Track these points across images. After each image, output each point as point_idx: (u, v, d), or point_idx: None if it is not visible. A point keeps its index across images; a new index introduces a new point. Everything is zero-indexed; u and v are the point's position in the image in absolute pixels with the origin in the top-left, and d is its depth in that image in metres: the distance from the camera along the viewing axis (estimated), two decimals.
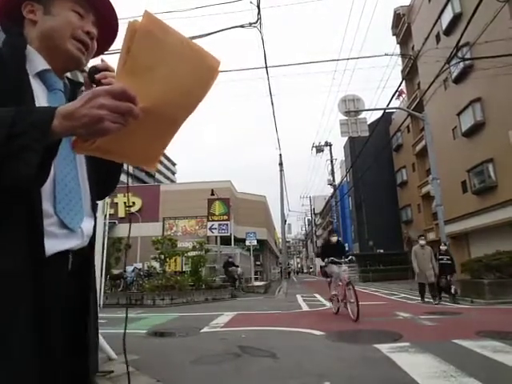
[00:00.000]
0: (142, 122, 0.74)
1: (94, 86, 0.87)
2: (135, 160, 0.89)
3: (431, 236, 25.59)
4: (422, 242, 10.25)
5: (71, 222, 0.88)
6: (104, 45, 1.08)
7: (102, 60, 0.94)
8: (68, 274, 0.92)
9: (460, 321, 6.81)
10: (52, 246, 0.84)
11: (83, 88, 1.01)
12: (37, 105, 0.85)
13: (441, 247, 10.77)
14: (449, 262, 10.33)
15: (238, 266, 17.03)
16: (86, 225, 0.94)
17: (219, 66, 0.79)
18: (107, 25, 1.04)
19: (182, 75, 0.76)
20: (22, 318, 0.77)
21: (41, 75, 0.92)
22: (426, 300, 10.07)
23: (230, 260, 17.05)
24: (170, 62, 0.75)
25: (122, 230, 25.69)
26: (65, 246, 0.88)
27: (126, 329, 1.18)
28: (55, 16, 0.95)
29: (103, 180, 1.04)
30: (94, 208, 1.01)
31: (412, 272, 17.43)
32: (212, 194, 20.63)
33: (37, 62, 0.92)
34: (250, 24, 9.22)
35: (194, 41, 0.79)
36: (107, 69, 0.89)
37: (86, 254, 0.97)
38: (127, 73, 0.73)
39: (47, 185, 0.84)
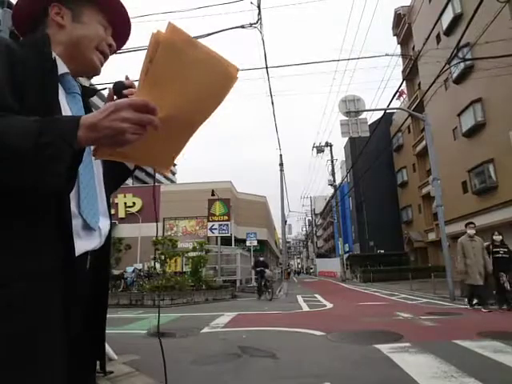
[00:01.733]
0: (161, 129, 0.76)
1: (117, 99, 0.92)
2: (151, 163, 0.93)
3: (431, 236, 25.60)
4: (471, 231, 8.25)
5: (91, 221, 0.91)
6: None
7: (127, 78, 0.98)
8: (87, 272, 0.94)
9: (460, 321, 6.80)
10: (79, 246, 0.86)
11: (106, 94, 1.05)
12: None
13: (494, 237, 8.46)
14: (506, 255, 8.07)
15: (267, 267, 14.44)
16: (103, 224, 0.96)
17: (237, 73, 0.81)
18: (121, 38, 1.10)
19: (201, 83, 0.78)
20: (54, 318, 0.79)
21: (60, 78, 0.94)
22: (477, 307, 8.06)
23: (261, 259, 15.08)
24: (190, 72, 0.77)
25: (122, 230, 25.73)
26: (88, 246, 0.91)
27: (159, 326, 1.25)
28: (85, 25, 0.98)
29: (112, 180, 1.07)
30: (109, 208, 1.03)
31: (412, 272, 17.45)
32: (212, 195, 20.63)
33: (58, 65, 0.94)
34: (251, 24, 9.22)
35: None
36: (131, 86, 0.93)
37: (102, 253, 0.98)
38: (149, 82, 0.75)
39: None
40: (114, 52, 1.08)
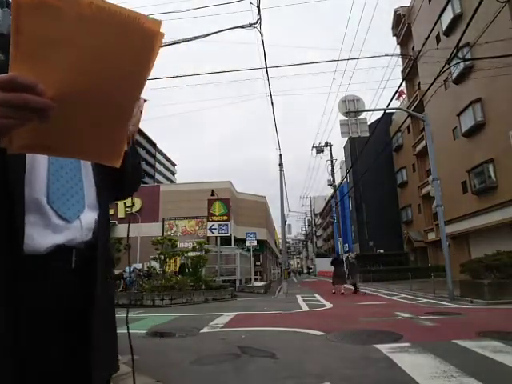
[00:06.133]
0: (72, 111, 0.64)
1: None
2: (91, 156, 0.77)
3: (431, 236, 25.61)
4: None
5: (66, 212, 0.87)
6: None
7: None
8: (72, 271, 0.89)
9: (460, 321, 6.80)
10: (44, 238, 0.83)
11: None
12: None
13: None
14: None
15: None
16: (87, 217, 0.92)
17: (159, 28, 0.64)
18: None
19: (105, 48, 0.63)
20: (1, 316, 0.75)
21: None
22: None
23: None
24: (82, 35, 0.61)
25: (121, 230, 25.72)
26: (60, 239, 0.86)
27: (128, 329, 1.17)
28: None
29: (118, 177, 1.00)
30: (102, 201, 0.98)
31: (412, 272, 17.41)
32: (212, 195, 20.64)
33: None
34: (250, 25, 9.22)
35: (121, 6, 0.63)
36: None
37: (92, 250, 0.92)
38: (24, 57, 0.60)
39: (42, 176, 0.85)
40: None
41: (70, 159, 0.91)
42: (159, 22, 0.64)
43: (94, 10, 0.61)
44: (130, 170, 1.02)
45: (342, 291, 14.37)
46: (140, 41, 0.64)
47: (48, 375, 0.85)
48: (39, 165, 0.87)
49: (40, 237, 0.83)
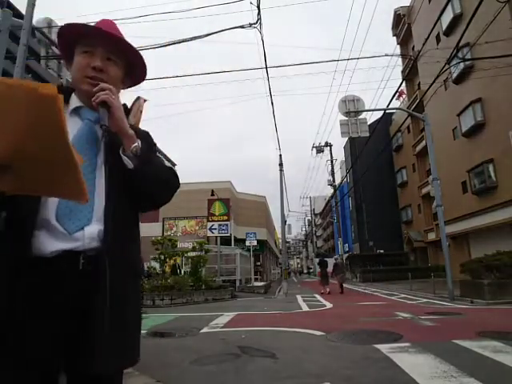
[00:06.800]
0: (22, 168, 0.78)
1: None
2: (56, 194, 0.92)
3: (431, 236, 25.60)
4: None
5: (71, 225, 1.00)
6: (135, 76, 1.30)
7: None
8: (79, 272, 0.99)
9: (460, 321, 6.80)
10: (51, 244, 0.97)
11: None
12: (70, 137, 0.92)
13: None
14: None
15: None
16: (92, 228, 1.03)
17: (55, 92, 0.72)
18: (130, 60, 1.22)
19: (19, 119, 0.73)
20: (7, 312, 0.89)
21: (76, 110, 1.13)
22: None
23: None
24: None
25: None
26: (65, 245, 0.98)
27: None
28: (74, 63, 1.16)
29: (137, 188, 1.12)
30: (113, 213, 1.07)
31: (412, 272, 17.43)
32: (212, 195, 20.65)
33: (72, 101, 1.15)
34: (250, 25, 9.21)
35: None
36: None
37: (102, 256, 1.02)
38: None
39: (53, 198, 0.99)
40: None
41: (88, 179, 1.02)
42: (54, 88, 0.73)
43: (2, 88, 0.72)
44: (145, 181, 1.12)
45: (322, 291, 15.61)
46: (43, 105, 0.72)
47: (51, 374, 0.89)
48: None
49: (47, 243, 0.97)
